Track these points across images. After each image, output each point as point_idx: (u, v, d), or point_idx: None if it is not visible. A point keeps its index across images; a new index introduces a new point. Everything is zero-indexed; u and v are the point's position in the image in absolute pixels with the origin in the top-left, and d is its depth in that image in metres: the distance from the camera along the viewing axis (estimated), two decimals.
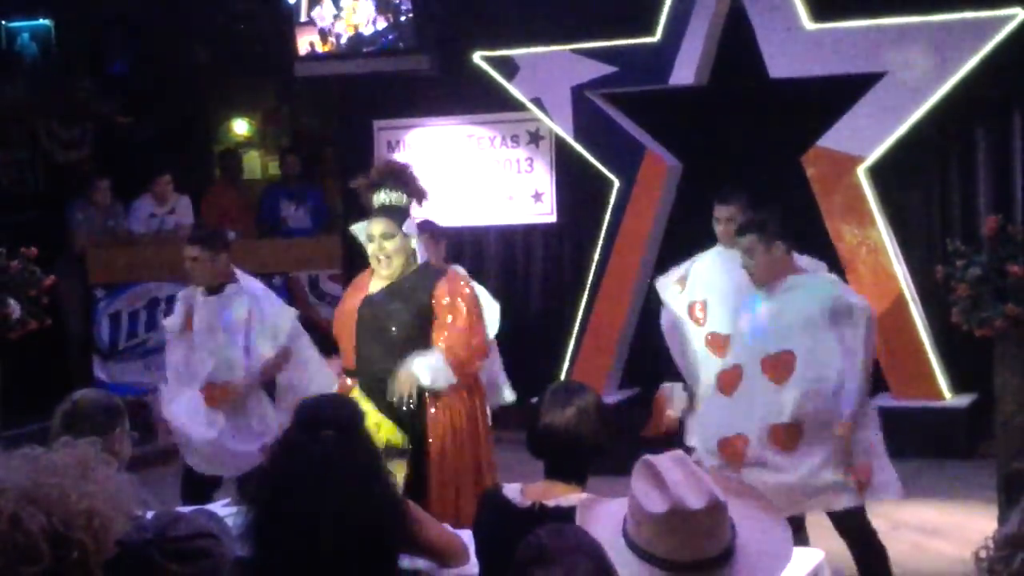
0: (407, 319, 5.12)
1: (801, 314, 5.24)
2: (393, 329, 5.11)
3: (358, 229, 5.34)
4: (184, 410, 6.29)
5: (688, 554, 2.69)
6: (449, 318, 5.12)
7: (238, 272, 6.45)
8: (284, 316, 6.38)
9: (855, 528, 5.37)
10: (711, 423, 5.52)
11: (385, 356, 5.10)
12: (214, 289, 6.30)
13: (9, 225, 9.38)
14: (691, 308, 6.39)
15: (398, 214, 5.19)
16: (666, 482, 2.71)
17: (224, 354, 6.20)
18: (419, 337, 5.11)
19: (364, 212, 5.39)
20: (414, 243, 5.25)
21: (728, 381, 5.44)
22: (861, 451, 5.26)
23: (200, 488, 6.23)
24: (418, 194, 5.33)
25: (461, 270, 6.22)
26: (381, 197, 5.21)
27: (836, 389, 5.19)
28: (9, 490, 2.23)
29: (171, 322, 6.53)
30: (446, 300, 5.14)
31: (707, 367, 6.02)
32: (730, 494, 2.79)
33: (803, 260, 5.72)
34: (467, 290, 5.28)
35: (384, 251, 5.12)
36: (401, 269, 5.17)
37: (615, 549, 2.63)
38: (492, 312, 6.52)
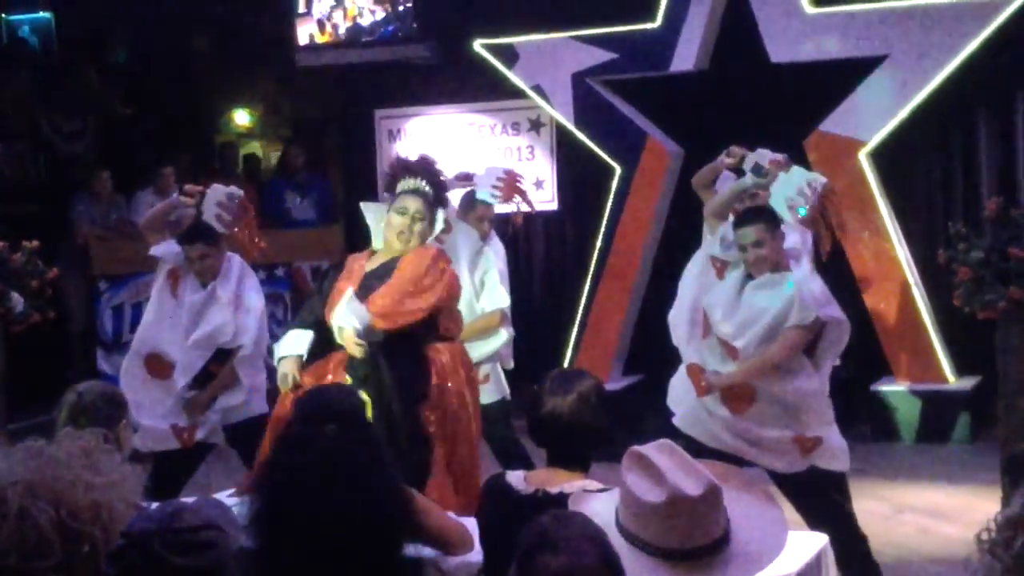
0: None
1: (766, 314, 5.08)
2: None
3: (373, 207, 5.35)
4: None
5: (686, 542, 2.69)
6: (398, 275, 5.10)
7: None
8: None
9: (826, 512, 5.12)
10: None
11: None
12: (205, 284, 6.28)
13: (11, 217, 9.39)
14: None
15: (427, 201, 5.19)
16: (661, 471, 2.71)
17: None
18: None
19: (367, 199, 5.39)
20: (435, 233, 5.27)
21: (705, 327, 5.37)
22: (815, 422, 5.11)
23: (172, 479, 6.07)
24: (442, 190, 5.31)
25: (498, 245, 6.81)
26: (409, 183, 5.21)
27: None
28: (15, 484, 2.22)
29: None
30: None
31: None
32: (723, 482, 2.78)
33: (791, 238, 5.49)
34: (436, 259, 5.19)
35: (413, 230, 5.11)
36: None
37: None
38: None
